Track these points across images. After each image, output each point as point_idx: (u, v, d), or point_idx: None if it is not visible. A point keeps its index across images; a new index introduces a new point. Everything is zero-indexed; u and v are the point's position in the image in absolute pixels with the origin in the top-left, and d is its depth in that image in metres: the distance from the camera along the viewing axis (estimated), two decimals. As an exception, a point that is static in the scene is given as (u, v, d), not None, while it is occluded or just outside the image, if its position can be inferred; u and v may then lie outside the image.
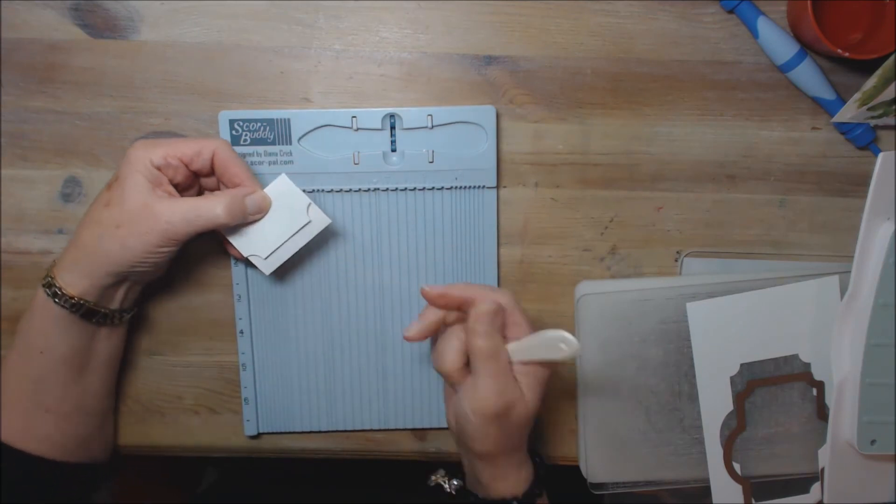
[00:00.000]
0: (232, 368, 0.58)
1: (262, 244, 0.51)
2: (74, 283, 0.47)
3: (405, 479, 0.76)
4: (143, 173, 0.46)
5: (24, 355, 0.48)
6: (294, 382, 0.57)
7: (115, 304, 0.50)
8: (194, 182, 0.51)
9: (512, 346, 0.47)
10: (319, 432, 0.59)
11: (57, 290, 0.47)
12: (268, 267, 0.51)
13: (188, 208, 0.46)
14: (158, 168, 0.47)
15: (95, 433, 0.54)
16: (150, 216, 0.46)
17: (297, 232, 0.51)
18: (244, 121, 0.53)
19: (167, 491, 1.02)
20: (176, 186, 0.49)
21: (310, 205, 0.51)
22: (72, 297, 0.47)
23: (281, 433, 0.59)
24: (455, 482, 0.52)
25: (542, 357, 0.46)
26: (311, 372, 0.57)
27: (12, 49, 0.54)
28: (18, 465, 0.48)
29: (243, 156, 0.54)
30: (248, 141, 0.54)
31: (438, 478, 0.53)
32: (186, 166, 0.48)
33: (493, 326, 0.46)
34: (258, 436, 0.59)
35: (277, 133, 0.54)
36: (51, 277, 0.47)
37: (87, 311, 0.48)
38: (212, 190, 0.52)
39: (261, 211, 0.50)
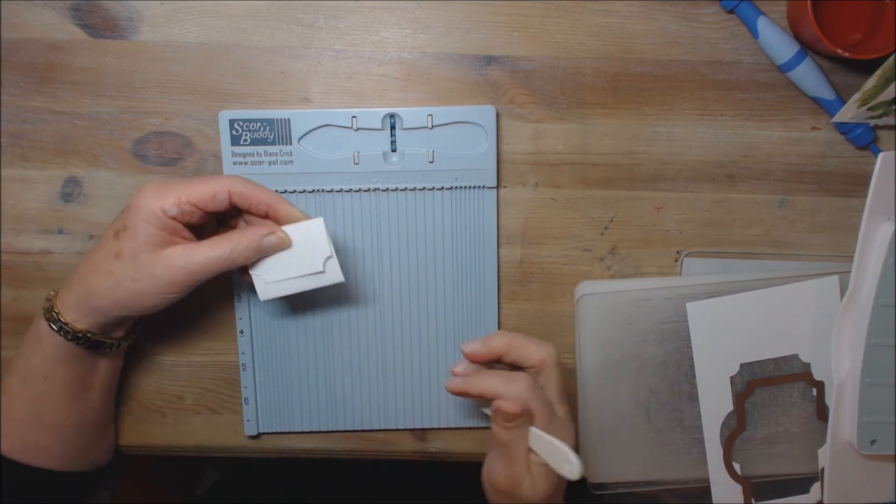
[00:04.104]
0: (232, 368, 0.58)
1: (270, 269, 0.48)
2: (81, 319, 0.46)
3: (405, 479, 0.76)
4: (156, 224, 0.44)
5: (27, 381, 0.48)
6: (294, 382, 0.57)
7: (119, 334, 0.50)
8: (211, 218, 0.48)
9: (534, 431, 0.46)
10: (319, 432, 0.59)
11: (63, 325, 0.46)
12: (265, 293, 0.49)
13: (205, 257, 0.45)
14: (173, 217, 0.45)
15: (96, 441, 0.54)
16: (167, 268, 0.44)
17: (307, 275, 0.48)
18: (244, 121, 0.53)
19: (167, 491, 1.02)
20: (192, 226, 0.47)
21: (329, 258, 0.48)
22: (78, 332, 0.46)
23: (281, 433, 0.59)
24: None
25: (549, 461, 0.46)
26: (311, 372, 0.57)
27: (12, 49, 0.54)
28: (18, 477, 0.48)
29: (243, 156, 0.54)
30: (248, 141, 0.54)
31: None
32: (202, 209, 0.46)
33: (514, 421, 0.45)
34: (258, 436, 0.59)
35: (277, 133, 0.54)
36: (56, 312, 0.46)
37: (92, 343, 0.47)
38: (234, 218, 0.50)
39: (279, 250, 0.47)
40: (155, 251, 0.44)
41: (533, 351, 0.46)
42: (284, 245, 0.47)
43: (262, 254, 0.47)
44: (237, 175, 0.48)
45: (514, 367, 0.48)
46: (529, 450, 0.46)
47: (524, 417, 0.45)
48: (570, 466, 0.44)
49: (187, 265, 0.45)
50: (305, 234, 0.48)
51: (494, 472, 0.47)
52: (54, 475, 0.50)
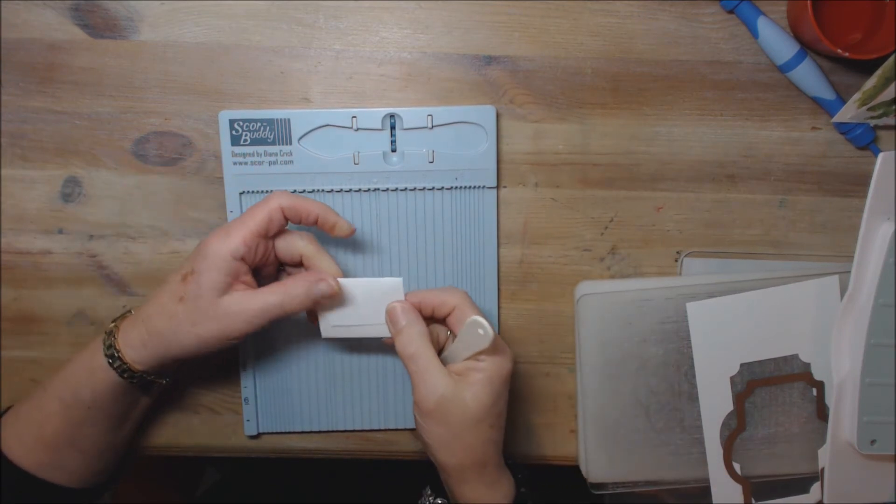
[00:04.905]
0: (232, 368, 0.58)
1: (339, 312, 0.49)
2: (140, 360, 0.47)
3: (405, 479, 0.76)
4: (223, 269, 0.45)
5: (70, 406, 0.48)
6: (294, 382, 0.57)
7: (169, 375, 0.51)
8: (271, 251, 0.49)
9: (447, 352, 0.48)
10: (319, 432, 0.59)
11: (123, 364, 0.47)
12: (327, 332, 0.50)
13: (262, 303, 0.46)
14: (241, 258, 0.46)
15: (115, 463, 0.54)
16: (227, 316, 0.45)
17: (371, 325, 0.49)
18: (244, 121, 0.53)
19: (167, 491, 1.02)
20: (255, 269, 0.48)
21: None
22: (136, 373, 0.47)
23: (281, 433, 0.59)
24: (439, 501, 0.52)
25: (472, 350, 0.46)
26: (311, 372, 0.57)
27: (12, 49, 0.54)
28: (40, 491, 0.49)
29: (243, 156, 0.54)
30: (248, 141, 0.54)
31: (425, 499, 0.53)
32: (264, 238, 0.47)
33: (408, 326, 0.46)
34: (258, 436, 0.59)
35: (277, 133, 0.54)
36: (117, 350, 0.47)
37: (145, 384, 0.49)
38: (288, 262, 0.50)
39: (331, 297, 0.47)
40: (216, 297, 0.45)
41: (445, 298, 0.47)
42: (334, 292, 0.47)
43: (314, 300, 0.47)
44: (282, 190, 0.48)
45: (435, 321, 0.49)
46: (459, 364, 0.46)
47: (414, 315, 0.47)
48: (481, 330, 0.44)
49: (244, 312, 0.45)
50: (382, 289, 0.48)
51: (415, 394, 0.46)
52: (72, 491, 0.50)
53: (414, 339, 0.46)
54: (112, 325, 0.48)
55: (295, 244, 0.48)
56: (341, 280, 0.48)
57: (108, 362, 0.47)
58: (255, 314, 0.46)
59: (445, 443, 0.46)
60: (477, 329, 0.45)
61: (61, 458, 0.49)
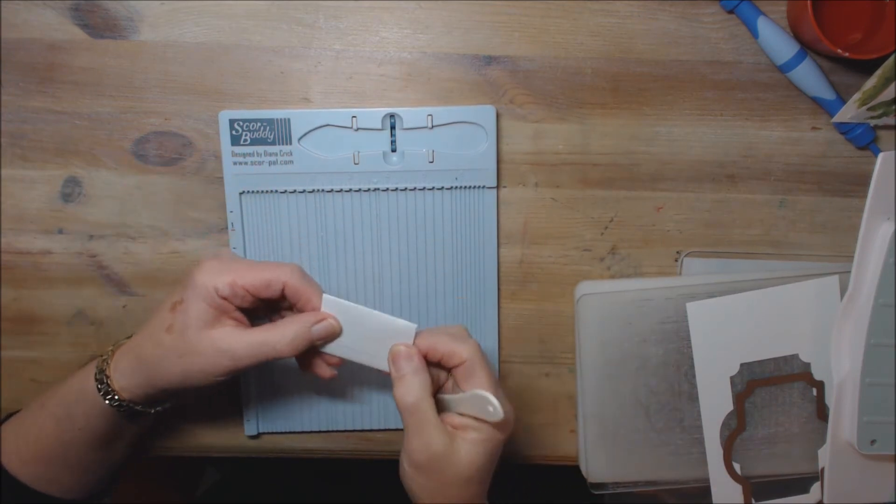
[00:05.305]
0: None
1: (347, 334, 0.47)
2: (128, 388, 0.46)
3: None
4: (208, 301, 0.44)
5: (62, 425, 0.48)
6: (294, 382, 0.57)
7: (158, 406, 0.49)
8: (262, 304, 0.47)
9: (450, 397, 0.46)
10: (319, 432, 0.59)
11: (109, 390, 0.46)
12: (328, 347, 0.47)
13: (251, 344, 0.44)
14: (224, 297, 0.44)
15: (111, 477, 0.54)
16: (213, 350, 0.44)
17: (374, 356, 0.47)
18: (244, 121, 0.53)
19: (167, 491, 1.02)
20: (244, 308, 0.46)
21: None
22: (123, 401, 0.46)
23: (281, 433, 0.59)
24: None
25: (475, 413, 0.44)
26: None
27: (12, 49, 0.54)
28: (32, 502, 0.48)
29: (243, 156, 0.54)
30: (248, 141, 0.54)
31: None
32: (254, 296, 0.45)
33: (411, 374, 0.44)
34: (258, 436, 0.59)
35: (277, 133, 0.54)
36: (106, 376, 0.46)
37: (131, 413, 0.48)
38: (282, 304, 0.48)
39: (329, 338, 0.46)
40: (203, 329, 0.44)
41: (457, 351, 0.45)
42: (334, 332, 0.46)
43: (310, 343, 0.45)
44: (295, 265, 0.46)
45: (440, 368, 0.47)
46: (457, 415, 0.45)
47: (418, 362, 0.44)
48: (491, 408, 0.43)
49: (230, 350, 0.44)
50: (394, 327, 0.46)
51: (408, 444, 0.44)
52: (69, 503, 0.50)
53: (414, 390, 0.44)
54: (109, 349, 0.48)
55: (277, 275, 0.45)
56: (352, 305, 0.46)
57: (97, 387, 0.46)
58: (242, 354, 0.44)
59: (430, 494, 0.44)
60: (486, 406, 0.43)
61: (55, 473, 0.49)
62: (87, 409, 0.47)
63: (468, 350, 0.45)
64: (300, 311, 0.46)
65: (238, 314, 0.46)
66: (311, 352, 0.47)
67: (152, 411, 0.49)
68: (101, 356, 0.47)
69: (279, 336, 0.44)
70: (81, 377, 0.48)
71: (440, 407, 0.45)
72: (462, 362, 0.45)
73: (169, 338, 0.45)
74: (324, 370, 0.49)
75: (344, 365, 0.56)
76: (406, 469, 0.45)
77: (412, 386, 0.44)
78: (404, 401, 0.44)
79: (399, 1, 0.55)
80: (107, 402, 0.46)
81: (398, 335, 0.46)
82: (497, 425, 0.44)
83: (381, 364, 0.47)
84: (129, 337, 0.49)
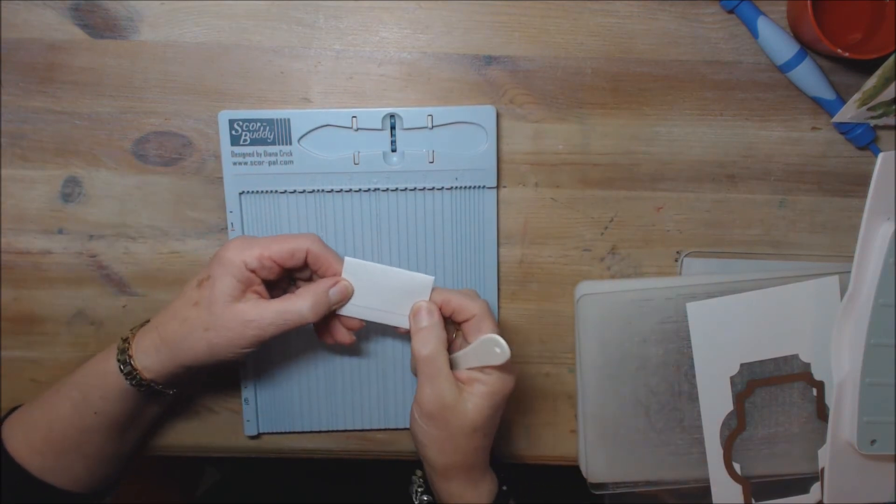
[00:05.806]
0: (232, 368, 0.58)
1: (364, 293, 0.49)
2: (151, 367, 0.47)
3: (405, 479, 0.76)
4: (236, 276, 0.46)
5: (79, 410, 0.48)
6: (294, 382, 0.57)
7: (178, 386, 0.51)
8: (285, 275, 0.50)
9: (458, 354, 0.48)
10: (319, 432, 0.59)
11: (132, 370, 0.47)
12: (345, 309, 0.50)
13: (276, 312, 0.46)
14: (252, 270, 0.47)
15: (119, 469, 0.54)
16: (239, 322, 0.46)
17: (391, 313, 0.50)
18: (244, 121, 0.53)
19: (167, 491, 1.02)
20: (266, 281, 0.48)
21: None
22: (144, 380, 0.47)
23: (281, 433, 0.59)
24: (426, 498, 0.53)
25: (482, 362, 0.47)
26: (311, 372, 0.57)
27: (12, 49, 0.54)
28: (36, 494, 0.49)
29: (243, 156, 0.54)
30: (248, 141, 0.54)
31: (415, 485, 0.54)
32: (280, 266, 0.48)
33: (429, 328, 0.47)
34: (258, 436, 0.59)
35: (277, 133, 0.54)
36: (129, 356, 0.47)
37: (152, 392, 0.49)
38: (301, 278, 0.51)
39: (344, 300, 0.49)
40: (230, 303, 0.46)
41: (468, 305, 0.48)
42: (348, 293, 0.49)
43: (329, 307, 0.48)
44: (314, 234, 0.49)
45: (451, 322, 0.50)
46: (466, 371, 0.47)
47: (437, 318, 0.48)
48: (498, 349, 0.46)
49: (258, 319, 0.46)
50: (412, 282, 0.49)
51: (420, 394, 0.47)
52: (74, 495, 0.50)
53: (431, 342, 0.47)
54: (130, 331, 0.49)
55: (299, 244, 0.48)
56: (372, 265, 0.48)
57: (119, 367, 0.47)
58: (269, 323, 0.46)
59: (438, 444, 0.47)
60: (494, 347, 0.46)
61: (67, 461, 0.49)
62: (106, 393, 0.48)
63: (478, 306, 0.48)
64: (322, 276, 0.49)
65: (261, 287, 0.48)
66: (330, 319, 0.50)
67: (171, 392, 0.50)
68: (122, 338, 0.48)
69: (301, 302, 0.47)
70: (101, 360, 0.48)
71: (450, 365, 0.48)
72: (472, 316, 0.48)
73: (195, 311, 0.46)
74: (343, 335, 0.51)
75: (345, 363, 0.56)
76: (416, 419, 0.48)
77: (430, 338, 0.47)
78: (422, 351, 0.47)
79: (399, 1, 0.55)
80: (129, 382, 0.47)
81: (416, 287, 0.49)
82: (502, 376, 0.47)
83: (400, 321, 0.49)
84: (147, 321, 0.49)
